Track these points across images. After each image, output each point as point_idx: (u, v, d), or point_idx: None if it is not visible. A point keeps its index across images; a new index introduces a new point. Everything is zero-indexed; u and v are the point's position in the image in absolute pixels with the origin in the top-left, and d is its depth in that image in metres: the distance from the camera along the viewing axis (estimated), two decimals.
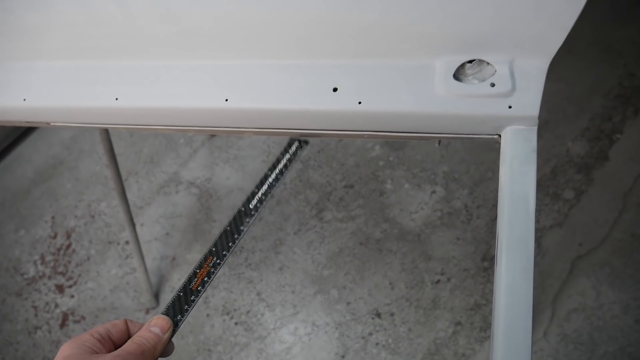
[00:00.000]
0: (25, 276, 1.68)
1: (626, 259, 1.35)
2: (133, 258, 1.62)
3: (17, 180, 1.92)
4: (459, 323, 1.36)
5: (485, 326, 1.35)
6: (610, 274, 1.34)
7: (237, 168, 1.76)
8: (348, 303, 1.44)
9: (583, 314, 1.30)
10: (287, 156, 0.62)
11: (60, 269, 1.67)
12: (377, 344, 1.37)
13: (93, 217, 1.76)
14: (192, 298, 0.51)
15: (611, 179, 1.48)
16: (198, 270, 0.52)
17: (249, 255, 1.56)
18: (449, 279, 1.42)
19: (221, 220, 1.66)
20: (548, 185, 1.50)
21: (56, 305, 1.60)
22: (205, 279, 0.52)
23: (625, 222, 1.40)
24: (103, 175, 1.84)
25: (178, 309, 0.50)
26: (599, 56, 1.71)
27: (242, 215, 0.56)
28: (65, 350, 0.46)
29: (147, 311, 1.54)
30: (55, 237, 1.74)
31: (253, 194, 0.58)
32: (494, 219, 1.45)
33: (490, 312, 1.34)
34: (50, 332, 1.56)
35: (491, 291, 1.38)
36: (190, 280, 0.52)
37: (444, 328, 1.36)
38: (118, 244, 1.68)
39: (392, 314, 1.40)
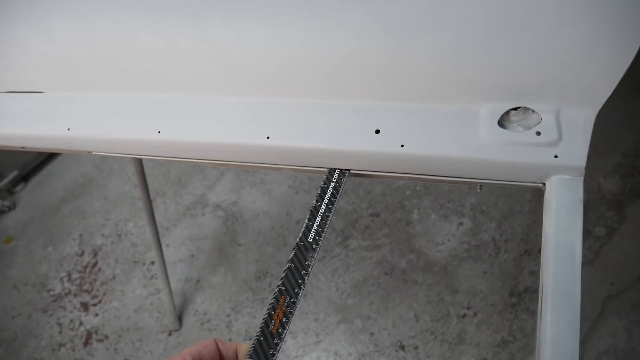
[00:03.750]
0: (52, 292, 1.70)
1: None
2: (158, 279, 1.63)
3: (48, 197, 1.95)
4: (484, 359, 1.33)
5: None
6: None
7: (263, 192, 1.76)
8: (372, 334, 1.42)
9: (614, 357, 1.27)
10: (332, 184, 0.62)
11: (86, 287, 1.68)
12: None
13: (120, 236, 1.78)
14: (275, 341, 0.50)
15: None
16: (273, 312, 0.51)
17: (272, 281, 1.55)
18: (475, 314, 1.40)
19: (246, 244, 1.66)
20: None
21: (80, 323, 1.61)
22: (284, 319, 0.51)
23: None
24: (131, 195, 1.87)
25: (262, 355, 0.49)
26: (631, 92, 1.69)
27: (303, 250, 0.57)
28: None
29: (170, 333, 1.54)
30: (82, 254, 1.76)
31: (308, 228, 0.59)
32: (522, 254, 1.42)
33: (518, 350, 1.32)
34: (73, 349, 1.56)
35: (519, 328, 1.35)
36: (267, 323, 0.51)
37: None
38: (144, 264, 1.70)
39: (416, 347, 1.38)
